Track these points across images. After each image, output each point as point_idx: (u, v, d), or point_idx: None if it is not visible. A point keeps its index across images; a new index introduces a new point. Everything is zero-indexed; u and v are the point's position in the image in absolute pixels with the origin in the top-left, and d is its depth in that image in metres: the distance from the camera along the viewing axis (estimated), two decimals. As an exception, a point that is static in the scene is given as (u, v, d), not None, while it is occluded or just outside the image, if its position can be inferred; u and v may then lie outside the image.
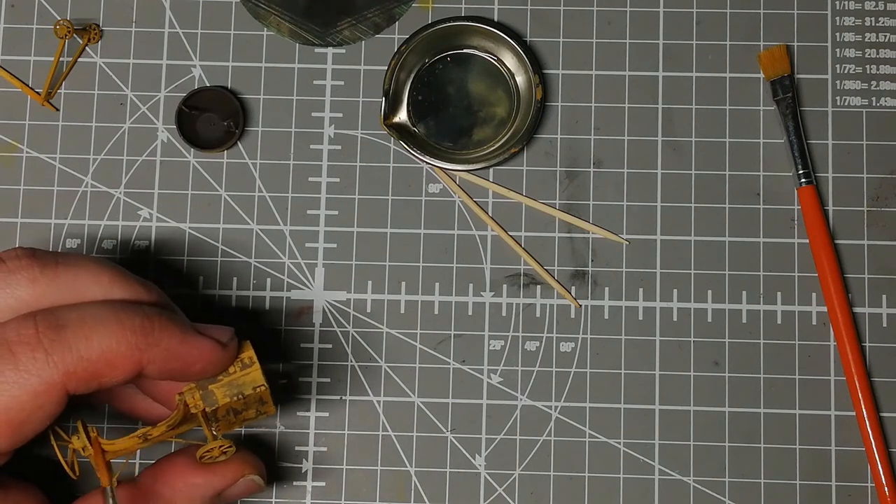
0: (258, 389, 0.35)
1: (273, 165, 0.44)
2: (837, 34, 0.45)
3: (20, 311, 0.33)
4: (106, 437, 0.42)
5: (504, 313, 0.43)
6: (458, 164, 0.44)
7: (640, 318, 0.43)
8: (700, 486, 0.42)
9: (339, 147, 0.45)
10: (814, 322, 0.43)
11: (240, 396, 0.34)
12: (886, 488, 0.41)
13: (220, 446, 0.35)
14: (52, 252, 0.34)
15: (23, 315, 0.32)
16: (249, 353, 0.35)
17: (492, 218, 0.44)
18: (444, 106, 0.45)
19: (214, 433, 0.35)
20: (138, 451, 0.42)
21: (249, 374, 0.35)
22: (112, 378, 0.32)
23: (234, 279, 0.44)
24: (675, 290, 0.43)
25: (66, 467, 0.34)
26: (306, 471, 0.43)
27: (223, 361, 0.34)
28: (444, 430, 0.43)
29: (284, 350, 0.43)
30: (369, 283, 0.44)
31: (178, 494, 0.35)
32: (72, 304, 0.33)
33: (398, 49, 0.44)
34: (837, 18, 0.45)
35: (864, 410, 0.42)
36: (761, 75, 0.45)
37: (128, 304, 0.33)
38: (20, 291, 0.33)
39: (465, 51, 0.45)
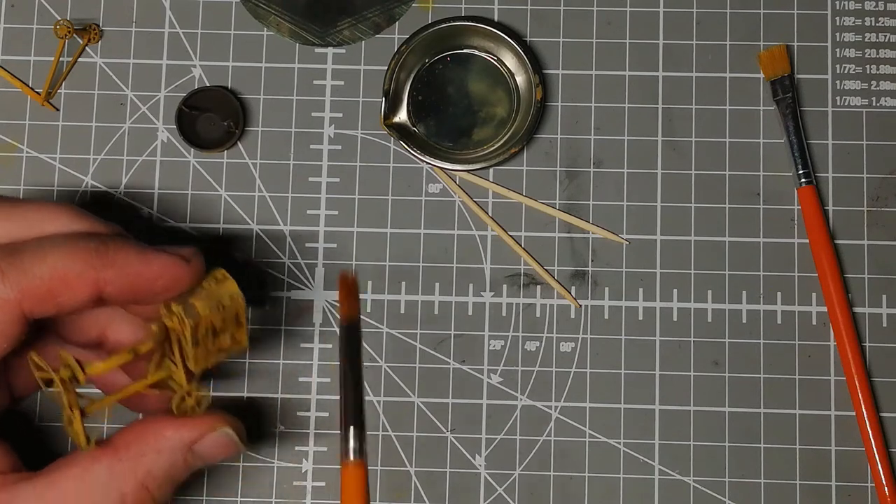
0: (236, 299, 0.36)
1: (273, 165, 0.44)
2: (837, 34, 0.45)
3: None
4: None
5: (504, 313, 0.43)
6: (458, 164, 0.44)
7: (640, 318, 0.43)
8: (700, 486, 0.42)
9: (339, 147, 0.45)
10: (814, 322, 0.43)
11: (220, 307, 0.35)
12: (886, 488, 0.41)
13: (195, 395, 0.35)
14: (13, 196, 0.34)
15: None
16: (222, 272, 0.36)
17: (492, 218, 0.44)
18: (444, 106, 0.45)
19: (191, 369, 0.35)
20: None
21: (225, 286, 0.36)
22: (70, 298, 0.33)
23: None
24: (675, 290, 0.43)
25: (43, 390, 0.34)
26: (306, 471, 0.42)
27: (188, 276, 0.35)
28: (444, 430, 0.43)
29: (284, 350, 0.43)
30: (369, 283, 0.44)
31: (148, 447, 0.34)
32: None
33: (398, 49, 0.44)
34: (837, 18, 0.45)
35: (864, 410, 0.42)
36: (761, 75, 0.45)
37: (86, 233, 0.34)
38: None
39: (465, 51, 0.45)
